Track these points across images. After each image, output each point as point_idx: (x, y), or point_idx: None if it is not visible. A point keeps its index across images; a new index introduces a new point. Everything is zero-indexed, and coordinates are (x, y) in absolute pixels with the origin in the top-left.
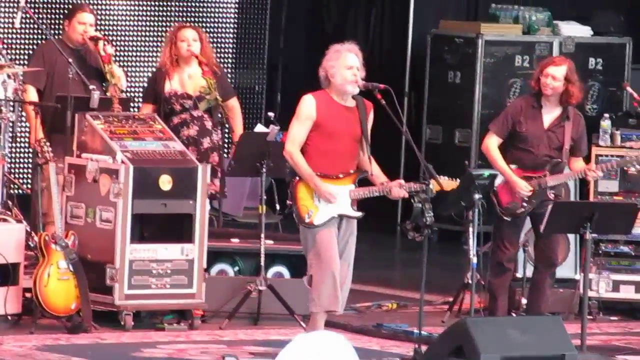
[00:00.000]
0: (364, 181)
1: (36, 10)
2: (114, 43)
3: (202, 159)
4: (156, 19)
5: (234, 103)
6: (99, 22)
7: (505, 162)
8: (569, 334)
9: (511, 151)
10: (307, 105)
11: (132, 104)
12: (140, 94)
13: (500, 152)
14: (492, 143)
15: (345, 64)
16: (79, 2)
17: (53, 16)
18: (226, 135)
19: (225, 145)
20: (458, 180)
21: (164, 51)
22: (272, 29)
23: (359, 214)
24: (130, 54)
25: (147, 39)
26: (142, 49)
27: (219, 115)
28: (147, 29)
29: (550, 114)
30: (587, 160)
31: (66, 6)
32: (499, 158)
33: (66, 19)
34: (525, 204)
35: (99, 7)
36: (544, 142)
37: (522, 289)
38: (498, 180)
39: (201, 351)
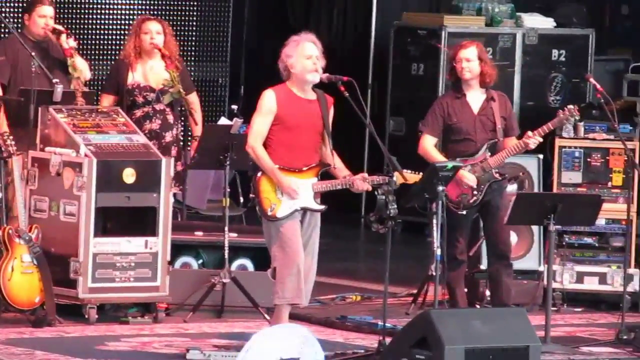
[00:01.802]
0: (327, 175)
1: None
2: (76, 35)
3: (164, 153)
4: (120, 11)
5: (194, 98)
6: (62, 14)
7: (447, 158)
8: (533, 325)
9: (449, 146)
10: (268, 99)
11: (95, 98)
12: None
13: (440, 150)
14: (428, 143)
15: (304, 54)
16: None
17: (14, 10)
18: (183, 129)
19: (182, 139)
20: (421, 174)
21: (128, 42)
22: (235, 22)
23: (322, 207)
24: (93, 46)
25: (110, 30)
26: (106, 40)
27: (181, 108)
28: (111, 20)
29: (476, 99)
30: (551, 152)
31: None
32: (437, 155)
33: (26, 12)
34: (475, 192)
35: None
36: (479, 127)
37: (486, 281)
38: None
39: (165, 344)
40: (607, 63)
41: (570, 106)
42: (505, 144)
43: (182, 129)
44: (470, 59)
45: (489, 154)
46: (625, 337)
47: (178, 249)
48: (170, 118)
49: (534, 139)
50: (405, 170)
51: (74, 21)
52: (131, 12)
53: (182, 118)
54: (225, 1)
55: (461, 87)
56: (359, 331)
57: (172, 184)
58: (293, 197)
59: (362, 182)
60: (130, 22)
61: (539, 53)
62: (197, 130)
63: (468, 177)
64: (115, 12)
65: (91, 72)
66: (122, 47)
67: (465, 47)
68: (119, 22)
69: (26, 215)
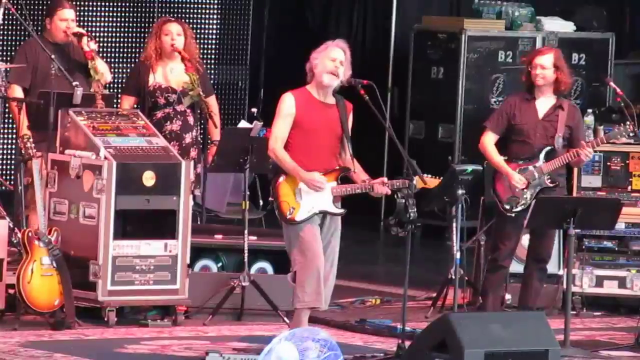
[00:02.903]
0: (347, 179)
1: (18, 7)
2: (97, 38)
3: (183, 154)
4: (140, 14)
5: (212, 102)
6: (83, 18)
7: (504, 158)
8: (552, 329)
9: (509, 145)
10: (287, 103)
11: (115, 100)
12: None
13: (500, 148)
14: (488, 140)
15: (329, 56)
16: None
17: (35, 12)
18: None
19: (201, 142)
20: (441, 178)
21: (148, 44)
22: (255, 25)
23: (342, 210)
24: (114, 49)
25: (131, 34)
26: (126, 44)
27: (200, 112)
28: (131, 24)
29: (544, 105)
30: None
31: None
32: (495, 153)
33: (47, 16)
34: (525, 196)
35: (82, 0)
36: (540, 132)
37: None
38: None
39: (185, 347)
40: (627, 67)
41: (628, 123)
42: None
43: (202, 131)
44: (545, 66)
45: (544, 160)
46: None
47: (197, 252)
48: (191, 120)
49: (586, 151)
50: (425, 175)
51: (94, 24)
52: (152, 14)
53: (202, 121)
54: (245, 4)
55: (533, 91)
56: (378, 334)
57: (191, 186)
58: (319, 188)
59: (381, 186)
60: (151, 24)
61: None
62: (216, 134)
63: (516, 177)
64: (136, 14)
65: (111, 74)
66: (142, 50)
67: (543, 54)
68: (139, 24)
69: (46, 217)
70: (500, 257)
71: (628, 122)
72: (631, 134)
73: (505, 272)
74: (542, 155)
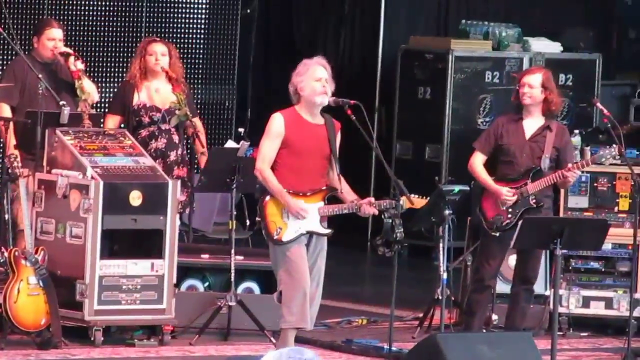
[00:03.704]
0: (334, 199)
1: (5, 26)
2: (84, 57)
3: (168, 172)
4: (127, 34)
5: (197, 122)
6: (71, 37)
7: (492, 178)
8: (539, 349)
9: (497, 166)
10: (276, 123)
11: (102, 120)
12: None
13: (488, 169)
14: (477, 160)
15: (313, 77)
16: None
17: (22, 31)
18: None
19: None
20: (428, 199)
21: (133, 63)
22: (242, 45)
23: (328, 231)
24: (101, 68)
25: (118, 53)
26: (113, 63)
27: (186, 131)
28: (119, 43)
29: (531, 125)
30: None
31: (35, 21)
32: (482, 172)
33: (35, 35)
34: (509, 216)
35: (70, 20)
36: (527, 152)
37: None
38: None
39: None
40: (614, 88)
41: (614, 146)
42: None
43: (188, 150)
44: (533, 85)
45: (530, 181)
46: None
47: (184, 272)
48: (176, 138)
49: (573, 172)
50: (412, 195)
51: (82, 44)
52: (138, 34)
53: (188, 141)
54: (232, 24)
55: (521, 111)
56: (364, 355)
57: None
58: (302, 216)
59: (368, 207)
60: (137, 44)
61: None
62: (203, 154)
63: (504, 190)
64: (122, 34)
65: (99, 93)
66: (127, 69)
67: (531, 73)
68: (126, 44)
69: (32, 237)
70: (486, 277)
71: (614, 145)
72: (617, 157)
73: (490, 292)
74: (528, 176)
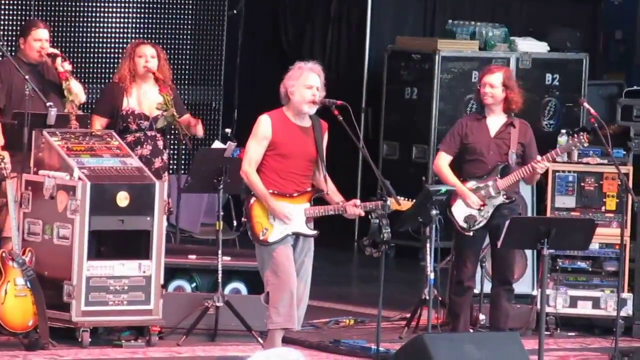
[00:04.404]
0: (321, 200)
1: None
2: (70, 58)
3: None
4: (115, 34)
5: (188, 116)
6: (57, 38)
7: (460, 178)
8: (526, 349)
9: (463, 165)
10: (263, 125)
11: (89, 121)
12: None
13: (454, 169)
14: (442, 161)
15: (305, 83)
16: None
17: (8, 32)
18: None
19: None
20: (414, 201)
21: (122, 65)
22: (229, 46)
23: (314, 232)
24: (88, 69)
25: (105, 54)
26: (101, 64)
27: (172, 132)
28: (106, 45)
29: (495, 123)
30: (544, 176)
31: (21, 22)
32: (450, 174)
33: (21, 36)
34: (482, 214)
35: (56, 21)
36: (493, 149)
37: (480, 305)
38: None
39: None
40: (601, 87)
41: (582, 134)
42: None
43: (175, 153)
44: (494, 85)
45: (499, 176)
46: None
47: (171, 273)
48: (160, 144)
49: (542, 164)
50: (399, 198)
51: (69, 45)
52: (126, 35)
53: (175, 143)
54: (219, 25)
55: (484, 110)
56: (352, 355)
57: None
58: (285, 222)
59: (354, 208)
60: (125, 45)
61: (532, 77)
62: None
63: (472, 198)
64: (110, 35)
65: (86, 95)
66: (115, 71)
67: (491, 73)
68: (113, 45)
69: (20, 238)
70: (464, 278)
71: (582, 134)
72: (585, 145)
73: (471, 293)
74: (497, 172)
